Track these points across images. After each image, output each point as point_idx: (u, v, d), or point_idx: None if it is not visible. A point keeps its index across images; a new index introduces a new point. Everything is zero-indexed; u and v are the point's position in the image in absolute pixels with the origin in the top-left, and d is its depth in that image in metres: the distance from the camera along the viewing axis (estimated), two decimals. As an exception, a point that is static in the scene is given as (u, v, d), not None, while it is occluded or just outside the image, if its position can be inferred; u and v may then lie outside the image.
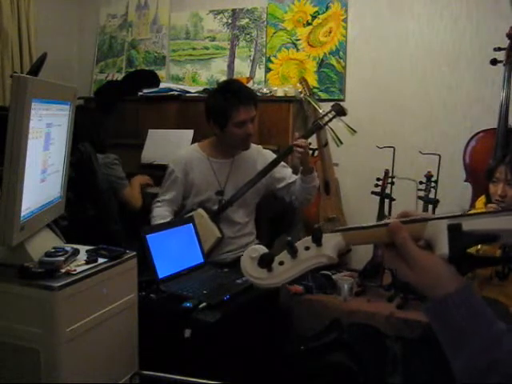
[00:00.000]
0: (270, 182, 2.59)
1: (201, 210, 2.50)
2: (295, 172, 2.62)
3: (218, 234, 2.48)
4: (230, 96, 2.42)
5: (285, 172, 2.60)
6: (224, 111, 2.42)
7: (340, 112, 2.59)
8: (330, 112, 2.59)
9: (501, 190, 2.03)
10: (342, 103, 2.61)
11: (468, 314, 0.73)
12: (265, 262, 0.77)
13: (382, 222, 0.80)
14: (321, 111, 2.95)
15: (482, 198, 2.21)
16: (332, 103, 2.73)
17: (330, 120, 2.59)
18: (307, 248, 0.77)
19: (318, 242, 0.77)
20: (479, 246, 1.82)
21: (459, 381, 0.74)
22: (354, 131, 3.03)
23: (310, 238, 0.78)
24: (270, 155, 2.62)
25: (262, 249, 0.79)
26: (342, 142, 3.09)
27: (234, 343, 1.99)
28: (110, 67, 4.10)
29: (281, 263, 0.77)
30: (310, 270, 0.78)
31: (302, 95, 3.21)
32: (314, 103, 3.15)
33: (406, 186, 3.09)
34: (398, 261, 0.77)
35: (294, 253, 0.77)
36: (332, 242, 0.77)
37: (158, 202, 2.59)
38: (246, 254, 0.78)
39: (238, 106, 2.40)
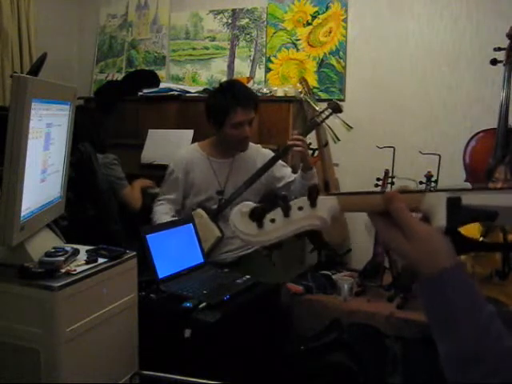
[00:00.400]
0: (269, 181, 2.59)
1: (200, 210, 2.50)
2: (295, 171, 2.63)
3: (218, 234, 2.48)
4: (230, 96, 2.42)
5: (284, 171, 2.60)
6: (222, 111, 2.42)
7: (336, 109, 2.59)
8: (326, 109, 2.59)
9: None
10: (341, 103, 2.61)
11: (462, 292, 0.71)
12: (256, 215, 0.73)
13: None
14: (317, 109, 2.96)
15: None
16: (331, 103, 2.73)
17: (327, 117, 2.60)
18: (300, 208, 0.74)
19: (312, 201, 0.74)
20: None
21: (444, 366, 0.72)
22: (351, 127, 3.04)
23: (304, 198, 0.74)
24: (269, 154, 2.62)
25: (254, 205, 0.75)
26: (339, 139, 3.10)
27: (234, 343, 1.98)
28: (110, 67, 4.10)
29: (272, 220, 0.73)
30: (302, 234, 0.75)
31: (301, 95, 3.21)
32: (311, 102, 3.15)
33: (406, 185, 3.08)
34: (393, 231, 0.74)
35: (286, 211, 0.73)
36: (327, 205, 0.74)
37: (159, 201, 2.59)
38: (236, 208, 0.75)
39: (236, 107, 2.40)
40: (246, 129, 2.46)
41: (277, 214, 0.74)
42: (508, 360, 0.69)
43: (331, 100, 2.66)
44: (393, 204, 0.73)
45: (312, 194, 0.73)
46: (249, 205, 0.75)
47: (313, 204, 0.74)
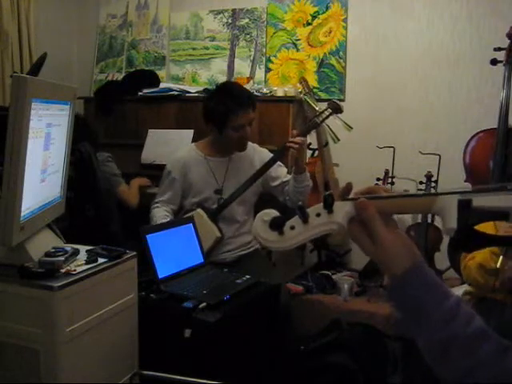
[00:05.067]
0: (265, 180, 2.59)
1: (200, 210, 2.50)
2: (290, 173, 2.62)
3: (218, 234, 2.48)
4: (230, 101, 2.42)
5: (280, 171, 2.60)
6: (223, 115, 2.42)
7: (336, 109, 2.59)
8: (326, 110, 2.59)
9: None
10: (341, 103, 2.61)
11: (425, 287, 0.76)
12: (276, 224, 0.79)
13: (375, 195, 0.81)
14: (317, 109, 2.95)
15: None
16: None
17: (327, 117, 2.59)
18: (318, 214, 0.79)
19: (329, 208, 0.78)
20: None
21: (426, 358, 0.77)
22: (351, 127, 3.03)
23: (321, 204, 0.79)
24: (267, 153, 2.62)
25: (274, 212, 0.81)
26: (339, 139, 3.09)
27: (234, 343, 1.99)
28: (110, 67, 4.10)
29: (292, 228, 0.79)
30: (317, 241, 0.78)
31: (301, 95, 3.21)
32: (310, 101, 3.14)
33: (406, 186, 3.08)
34: (363, 236, 0.79)
35: (305, 218, 0.78)
36: (343, 210, 0.79)
37: (157, 203, 2.59)
38: (258, 217, 0.80)
39: (237, 111, 2.41)
40: (247, 130, 2.46)
41: (296, 221, 0.79)
42: (480, 339, 0.74)
43: (331, 100, 2.66)
44: (365, 212, 0.78)
45: (327, 202, 0.78)
46: (269, 213, 0.80)
47: (330, 211, 0.78)
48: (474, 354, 0.73)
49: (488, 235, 0.79)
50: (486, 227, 0.79)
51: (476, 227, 0.77)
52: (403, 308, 0.79)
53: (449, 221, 0.76)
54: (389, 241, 0.78)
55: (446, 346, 0.74)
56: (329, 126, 3.02)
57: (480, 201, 0.75)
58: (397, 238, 0.79)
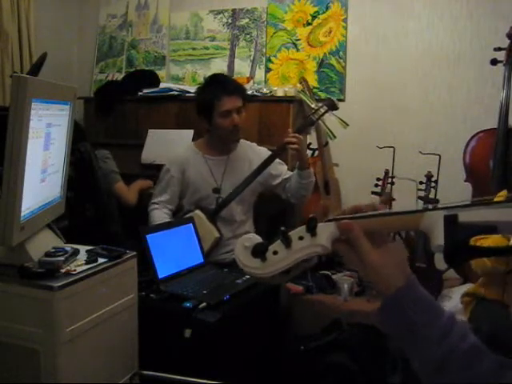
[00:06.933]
0: (266, 179, 2.59)
1: (198, 212, 2.50)
2: (292, 171, 2.62)
3: (217, 234, 2.48)
4: (214, 88, 2.48)
5: (281, 169, 2.61)
6: (208, 103, 2.47)
7: (332, 106, 2.59)
8: (321, 107, 2.59)
9: None
10: (341, 103, 2.61)
11: (417, 306, 0.75)
12: (258, 252, 0.77)
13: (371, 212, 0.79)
14: (313, 106, 2.95)
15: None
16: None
17: (323, 114, 2.59)
18: (301, 238, 0.77)
19: (312, 231, 0.76)
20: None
21: (421, 377, 0.77)
22: (347, 124, 3.03)
23: (304, 227, 0.77)
24: (265, 152, 2.63)
25: (256, 238, 0.79)
26: (335, 136, 3.09)
27: (234, 343, 1.99)
28: (110, 67, 4.10)
29: (275, 253, 0.77)
30: (306, 265, 0.78)
31: (297, 92, 3.20)
32: (306, 99, 3.14)
33: (406, 185, 3.08)
34: (351, 255, 0.78)
35: (288, 243, 0.76)
36: (326, 232, 0.77)
37: (155, 204, 2.58)
38: (239, 242, 0.78)
39: (221, 96, 2.44)
40: (235, 117, 2.47)
41: (279, 246, 0.77)
42: (475, 355, 0.73)
43: (327, 97, 2.66)
44: (349, 233, 0.77)
45: (310, 225, 0.76)
46: (250, 238, 0.78)
47: (313, 234, 0.76)
48: (470, 370, 0.72)
49: (476, 247, 0.78)
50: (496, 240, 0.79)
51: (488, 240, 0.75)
52: (396, 328, 0.77)
53: (436, 237, 0.74)
54: (378, 260, 0.76)
55: (442, 363, 0.73)
56: (324, 123, 3.02)
57: (467, 215, 0.73)
58: (386, 257, 0.77)
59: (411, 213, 0.78)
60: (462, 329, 0.75)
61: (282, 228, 0.77)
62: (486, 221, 0.73)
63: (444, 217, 0.74)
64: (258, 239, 0.79)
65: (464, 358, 0.72)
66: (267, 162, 2.53)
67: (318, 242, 0.76)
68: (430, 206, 0.78)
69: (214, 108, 2.45)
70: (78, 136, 2.61)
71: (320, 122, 2.81)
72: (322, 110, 2.58)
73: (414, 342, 0.75)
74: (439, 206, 0.77)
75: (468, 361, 0.72)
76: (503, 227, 0.73)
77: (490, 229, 0.73)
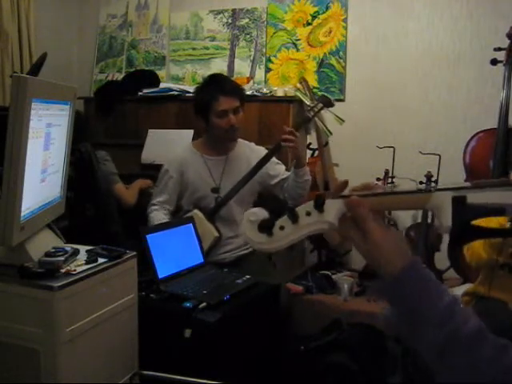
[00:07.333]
0: (263, 179, 2.59)
1: (197, 211, 2.50)
2: (289, 170, 2.62)
3: (216, 234, 2.48)
4: (211, 88, 2.48)
5: (278, 169, 2.61)
6: (205, 102, 2.47)
7: (327, 103, 2.59)
8: (317, 104, 2.59)
9: None
10: (341, 103, 2.61)
11: (420, 286, 0.75)
12: (265, 227, 0.77)
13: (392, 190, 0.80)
14: (308, 103, 2.95)
15: None
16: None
17: (318, 111, 2.59)
18: (308, 213, 0.77)
19: (319, 207, 0.77)
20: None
21: (426, 359, 0.76)
22: (343, 120, 3.03)
23: (311, 203, 0.77)
24: (263, 151, 2.62)
25: (262, 213, 0.79)
26: (331, 133, 3.09)
27: (234, 343, 1.98)
28: (110, 67, 4.10)
29: (281, 228, 0.77)
30: (311, 239, 0.77)
31: (293, 90, 3.20)
32: (302, 96, 3.13)
33: (406, 185, 3.09)
34: (355, 233, 0.78)
35: (294, 218, 0.77)
36: (334, 209, 0.77)
37: (154, 205, 2.58)
38: (245, 216, 0.78)
39: (218, 96, 2.44)
40: (231, 117, 2.47)
41: (286, 221, 0.77)
42: (478, 338, 0.73)
43: (322, 94, 2.66)
44: (357, 210, 0.77)
45: (318, 201, 0.77)
46: (256, 213, 0.78)
47: (320, 210, 0.77)
48: (473, 353, 0.72)
49: (483, 228, 0.78)
50: (489, 222, 0.79)
51: (482, 221, 0.76)
52: (400, 307, 0.77)
53: (444, 218, 0.74)
54: (383, 239, 0.77)
55: (445, 344, 0.73)
56: (321, 121, 3.02)
57: (475, 197, 0.74)
58: (390, 235, 0.78)
59: (419, 192, 0.78)
60: (465, 311, 0.75)
61: (289, 205, 0.77)
62: (495, 203, 0.73)
63: (452, 198, 0.74)
64: (264, 213, 0.79)
65: (466, 340, 0.72)
66: (264, 159, 2.53)
67: (325, 218, 0.77)
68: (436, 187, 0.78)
69: (210, 108, 2.45)
70: (80, 135, 2.62)
71: (316, 119, 2.81)
72: (318, 107, 2.58)
73: (418, 321, 0.74)
74: (447, 186, 0.76)
75: (470, 344, 0.72)
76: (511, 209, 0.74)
77: (498, 211, 0.74)
